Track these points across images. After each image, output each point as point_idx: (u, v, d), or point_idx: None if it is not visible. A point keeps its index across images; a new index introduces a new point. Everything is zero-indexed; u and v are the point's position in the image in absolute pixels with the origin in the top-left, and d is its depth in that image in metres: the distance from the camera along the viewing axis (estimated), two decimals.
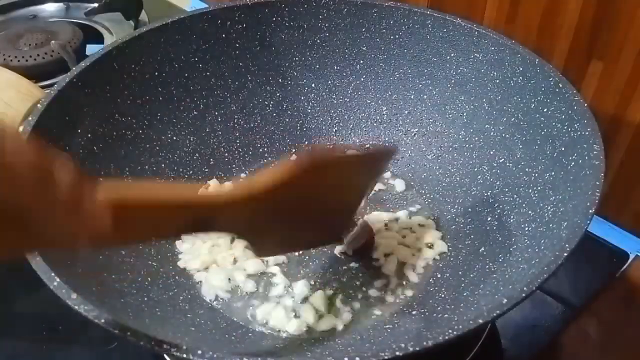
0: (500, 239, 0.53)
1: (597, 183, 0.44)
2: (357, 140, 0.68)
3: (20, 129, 0.54)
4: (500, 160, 0.58)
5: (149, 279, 0.53)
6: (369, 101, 0.68)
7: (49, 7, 1.00)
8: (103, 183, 0.32)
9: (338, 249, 0.58)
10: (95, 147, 0.56)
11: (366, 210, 0.61)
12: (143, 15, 0.94)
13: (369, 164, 0.50)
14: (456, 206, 0.60)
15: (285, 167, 0.41)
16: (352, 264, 0.57)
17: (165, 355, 0.46)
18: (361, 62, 0.66)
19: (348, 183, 0.49)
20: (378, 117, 0.67)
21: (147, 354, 0.54)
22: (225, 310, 0.53)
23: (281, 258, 0.57)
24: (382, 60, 0.65)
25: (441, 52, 0.62)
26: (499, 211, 0.55)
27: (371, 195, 0.63)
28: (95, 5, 0.96)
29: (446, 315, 0.48)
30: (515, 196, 0.54)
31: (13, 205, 0.26)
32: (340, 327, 0.52)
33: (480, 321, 0.37)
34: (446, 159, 0.63)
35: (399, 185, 0.64)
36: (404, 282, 0.55)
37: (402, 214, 0.61)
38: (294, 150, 0.68)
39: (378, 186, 0.64)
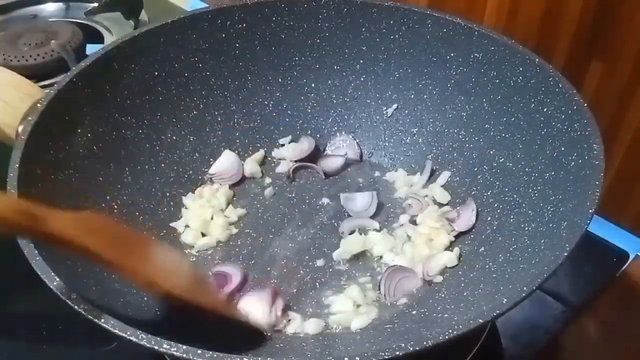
0: (500, 239, 0.53)
1: (597, 183, 0.44)
2: (357, 140, 0.68)
3: (20, 128, 0.54)
4: (500, 160, 0.58)
5: None
6: (369, 101, 0.68)
7: (49, 7, 1.00)
8: None
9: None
10: (95, 147, 0.56)
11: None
12: (143, 15, 0.94)
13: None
14: (456, 206, 0.60)
15: None
16: (355, 265, 0.57)
17: (165, 355, 0.46)
18: (361, 62, 0.66)
19: None
20: (378, 117, 0.67)
21: (147, 354, 0.54)
22: None
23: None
24: (382, 60, 0.65)
25: (441, 52, 0.62)
26: (499, 211, 0.55)
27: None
28: (95, 5, 0.96)
29: (446, 315, 0.48)
30: (515, 196, 0.54)
31: None
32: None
33: (480, 321, 0.37)
34: (446, 159, 0.63)
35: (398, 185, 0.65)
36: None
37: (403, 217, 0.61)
38: None
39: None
